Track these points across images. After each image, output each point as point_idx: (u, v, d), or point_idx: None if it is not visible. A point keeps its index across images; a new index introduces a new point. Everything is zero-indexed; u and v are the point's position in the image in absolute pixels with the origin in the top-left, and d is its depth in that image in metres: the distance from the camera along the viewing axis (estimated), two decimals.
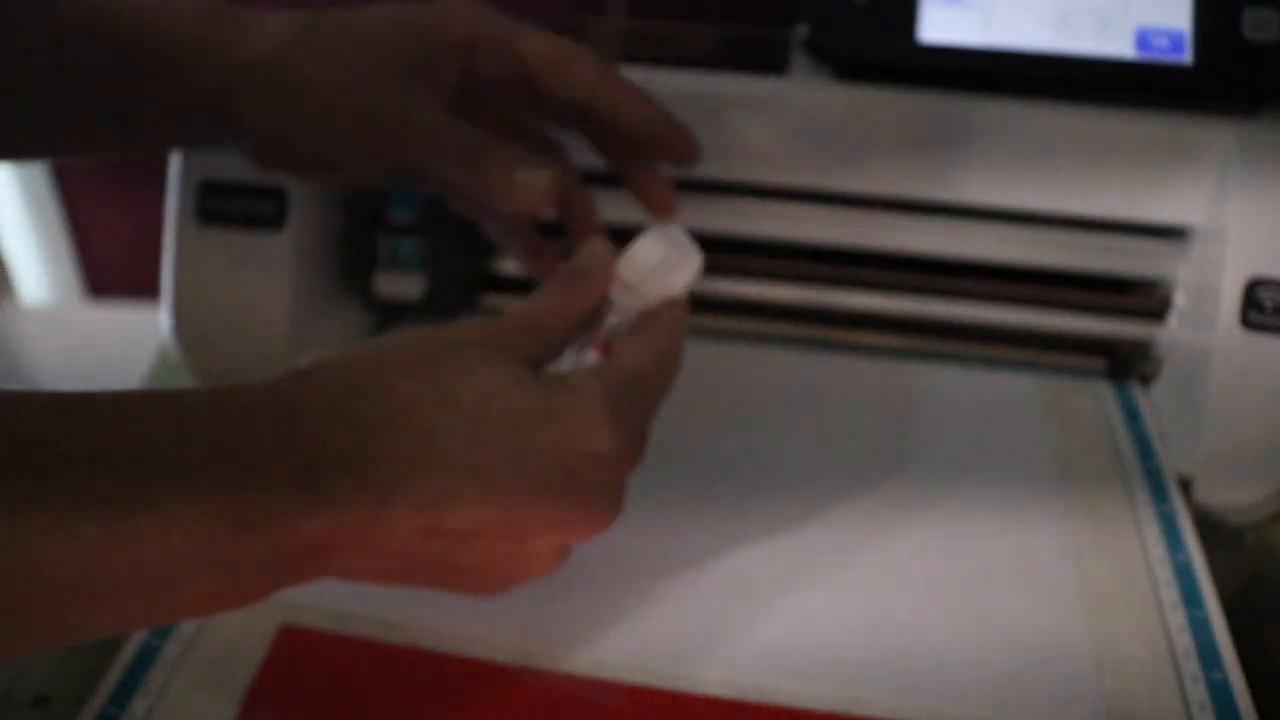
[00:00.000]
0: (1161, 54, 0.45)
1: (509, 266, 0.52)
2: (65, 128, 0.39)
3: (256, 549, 0.26)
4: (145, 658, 0.34)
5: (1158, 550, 0.38)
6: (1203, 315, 0.44)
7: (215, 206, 0.47)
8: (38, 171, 1.02)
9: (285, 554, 0.26)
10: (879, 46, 0.46)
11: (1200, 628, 0.35)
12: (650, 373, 0.33)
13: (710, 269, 0.50)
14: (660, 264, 0.36)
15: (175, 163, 0.48)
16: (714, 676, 0.34)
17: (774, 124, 0.47)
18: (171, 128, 0.40)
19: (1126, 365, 0.48)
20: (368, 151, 0.37)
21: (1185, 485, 0.42)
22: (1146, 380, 0.48)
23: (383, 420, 0.28)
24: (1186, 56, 0.45)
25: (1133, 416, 0.46)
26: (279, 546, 0.26)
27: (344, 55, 0.36)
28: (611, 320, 0.36)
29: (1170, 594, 0.37)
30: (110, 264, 1.09)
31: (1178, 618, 0.36)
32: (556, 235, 0.44)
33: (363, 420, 0.27)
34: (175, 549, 0.24)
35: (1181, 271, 0.47)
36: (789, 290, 0.50)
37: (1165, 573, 0.37)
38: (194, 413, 0.26)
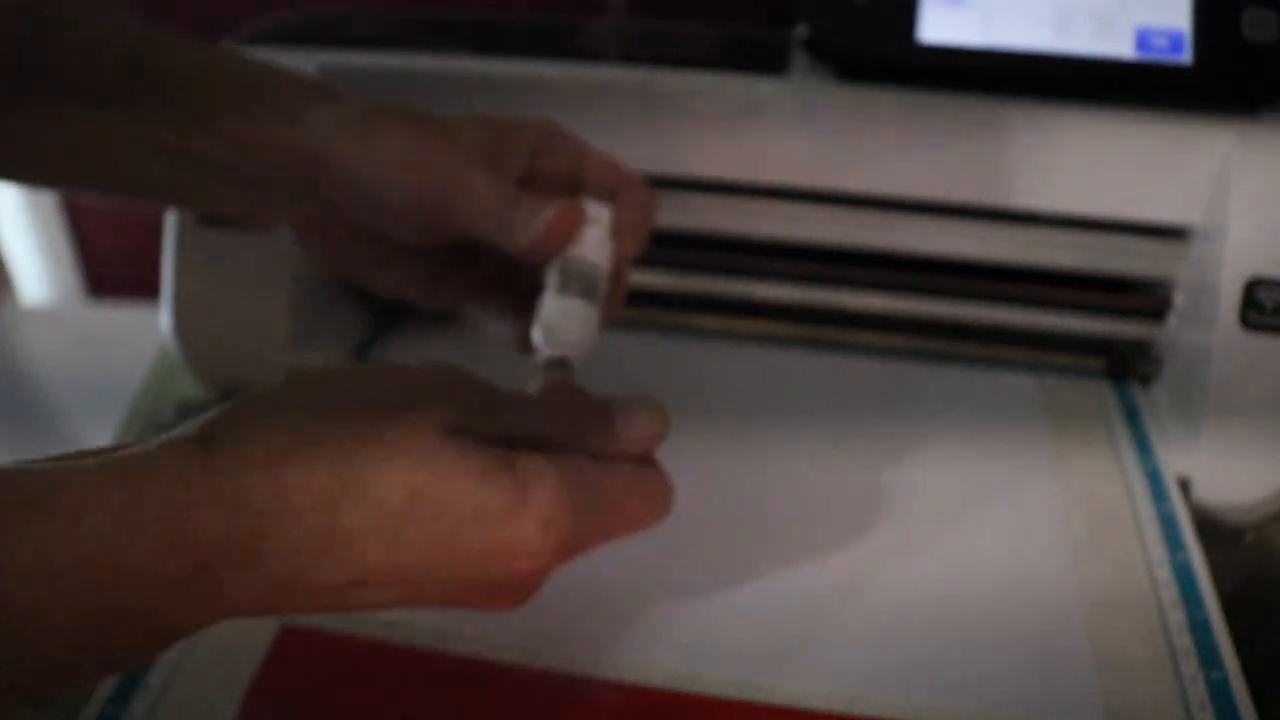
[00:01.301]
0: (1161, 54, 0.45)
1: None
2: (128, 167, 0.38)
3: (137, 637, 0.25)
4: None
5: (1158, 550, 0.38)
6: (1203, 315, 0.44)
7: None
8: None
9: (174, 634, 0.26)
10: (879, 46, 0.46)
11: (1200, 628, 0.35)
12: (620, 497, 0.31)
13: (710, 269, 0.50)
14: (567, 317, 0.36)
15: None
16: (714, 676, 0.34)
17: (774, 124, 0.47)
18: (239, 188, 0.39)
19: (1126, 365, 0.48)
20: (417, 218, 0.37)
21: (1185, 485, 0.42)
22: (1146, 380, 0.48)
23: (292, 517, 0.26)
24: (1186, 57, 0.45)
25: (1133, 416, 0.46)
26: (166, 630, 0.26)
27: (421, 131, 0.37)
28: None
29: (1170, 594, 0.37)
30: (110, 264, 1.09)
31: (1178, 618, 0.36)
32: None
33: (269, 516, 0.26)
34: (51, 650, 0.23)
35: (1181, 271, 0.47)
36: (789, 290, 0.50)
37: (1165, 573, 0.37)
38: (77, 502, 0.24)
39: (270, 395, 0.28)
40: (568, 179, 0.39)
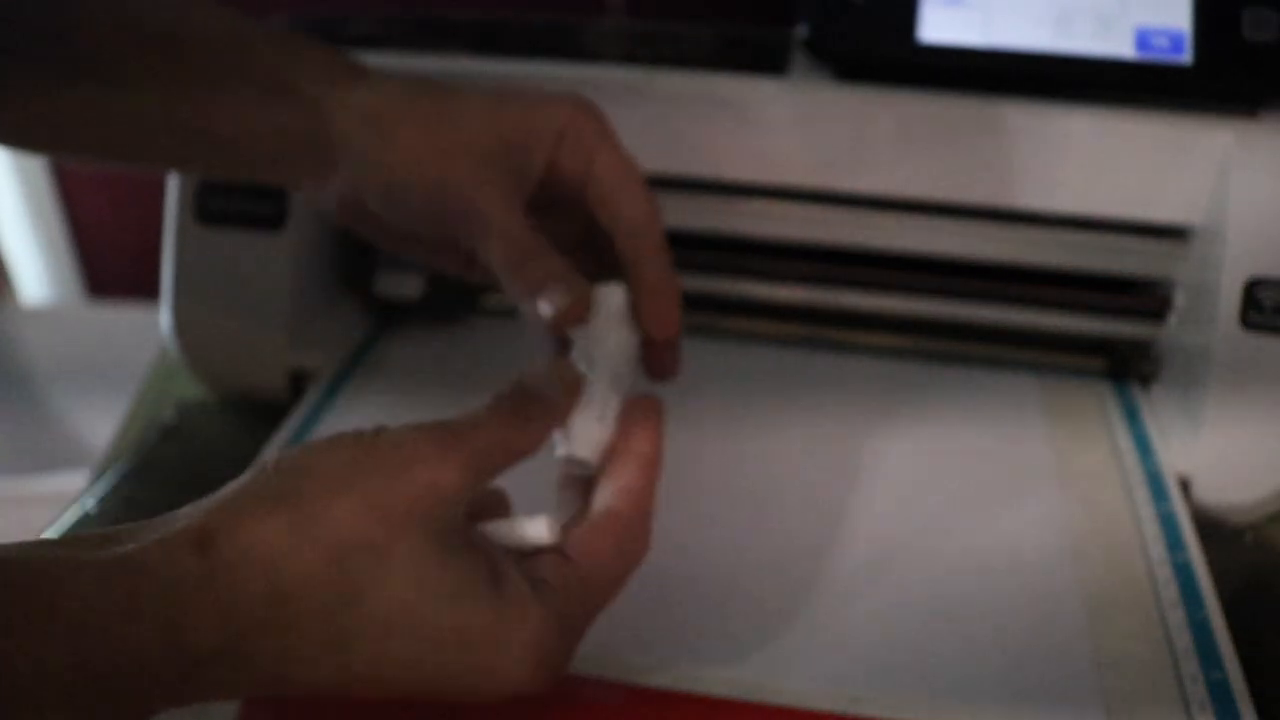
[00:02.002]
0: (1161, 54, 0.45)
1: None
2: (150, 136, 0.38)
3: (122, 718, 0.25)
4: None
5: (1158, 550, 0.38)
6: (1203, 315, 0.44)
7: (215, 206, 0.47)
8: (38, 171, 1.02)
9: (155, 712, 0.26)
10: (879, 46, 0.46)
11: (1200, 628, 0.35)
12: (608, 571, 0.31)
13: (710, 269, 0.50)
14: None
15: None
16: (714, 676, 0.34)
17: (774, 124, 0.47)
18: (263, 156, 0.39)
19: (1126, 365, 0.48)
20: (433, 229, 0.37)
21: (1185, 485, 0.42)
22: (1146, 380, 0.48)
23: (287, 624, 0.26)
24: (1186, 56, 0.45)
25: (1133, 416, 0.46)
26: (149, 712, 0.25)
27: (437, 128, 0.37)
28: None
29: (1170, 594, 0.37)
30: (110, 264, 1.09)
31: (1178, 617, 0.36)
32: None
33: (265, 624, 0.26)
34: None
35: (1181, 271, 0.47)
36: (789, 290, 0.50)
37: (1165, 573, 0.37)
38: (78, 605, 0.24)
39: (266, 485, 0.27)
40: (580, 182, 0.38)
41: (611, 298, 0.37)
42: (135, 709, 0.25)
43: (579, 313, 0.35)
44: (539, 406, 0.32)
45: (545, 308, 0.35)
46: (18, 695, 0.23)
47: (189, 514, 0.26)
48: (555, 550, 0.30)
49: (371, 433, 0.29)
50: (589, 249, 0.39)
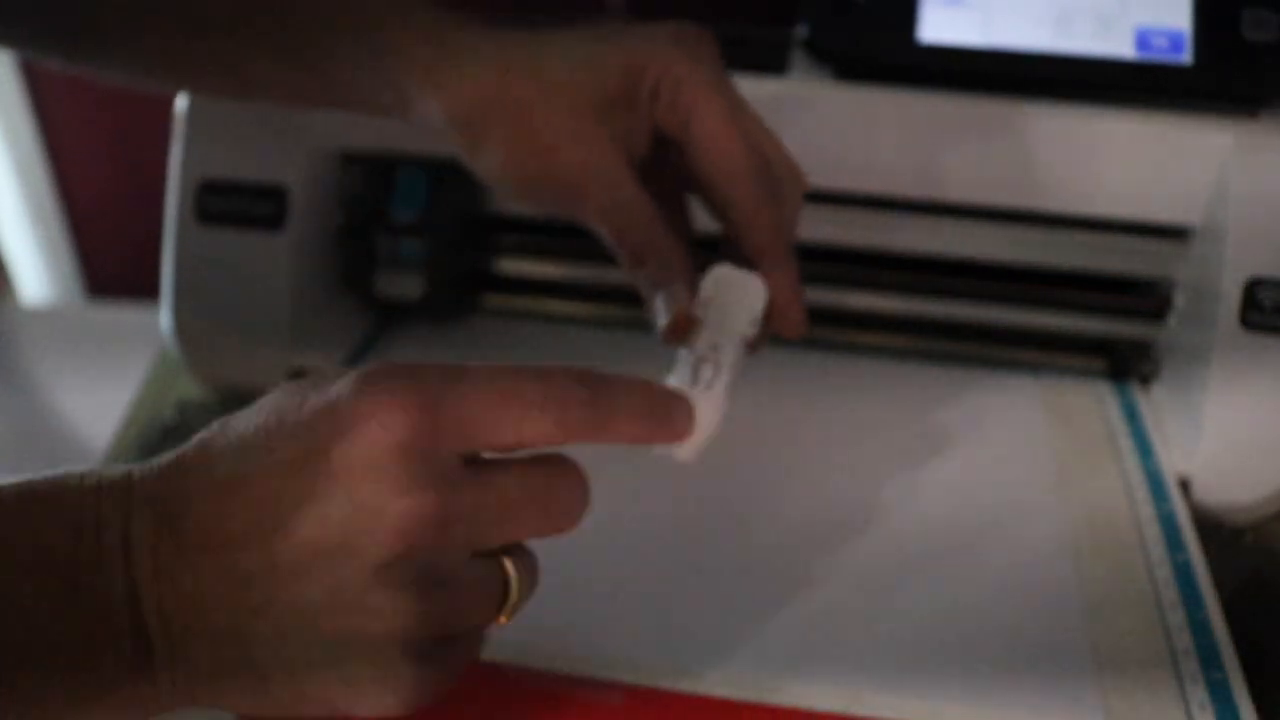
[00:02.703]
0: (1161, 54, 0.45)
1: (509, 266, 0.52)
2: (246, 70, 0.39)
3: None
4: None
5: (1158, 550, 0.38)
6: (1203, 315, 0.44)
7: (215, 206, 0.47)
8: (38, 171, 1.02)
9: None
10: (879, 46, 0.46)
11: (1200, 628, 0.35)
12: (517, 494, 0.27)
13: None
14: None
15: (175, 162, 0.48)
16: (714, 676, 0.34)
17: (774, 124, 0.47)
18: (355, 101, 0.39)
19: (1126, 365, 0.48)
20: (551, 206, 0.37)
21: (1185, 485, 0.42)
22: (1146, 380, 0.48)
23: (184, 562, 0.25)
24: (1186, 56, 0.45)
25: (1133, 416, 0.46)
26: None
27: (529, 120, 0.36)
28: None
29: (1170, 594, 0.37)
30: (110, 264, 1.09)
31: (1178, 618, 0.36)
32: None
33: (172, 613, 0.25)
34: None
35: (1181, 271, 0.47)
36: None
37: (1165, 573, 0.37)
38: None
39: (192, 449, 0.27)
40: (681, 139, 0.36)
41: (750, 286, 0.36)
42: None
43: (681, 333, 0.35)
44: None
45: (660, 319, 0.35)
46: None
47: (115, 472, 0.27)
48: None
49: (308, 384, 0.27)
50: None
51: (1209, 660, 0.34)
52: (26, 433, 1.02)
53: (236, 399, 0.50)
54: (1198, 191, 0.45)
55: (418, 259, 0.49)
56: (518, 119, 0.36)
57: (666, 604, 0.36)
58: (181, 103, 0.48)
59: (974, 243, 0.48)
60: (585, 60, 0.36)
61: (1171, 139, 0.45)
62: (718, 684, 0.33)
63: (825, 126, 0.47)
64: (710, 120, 0.36)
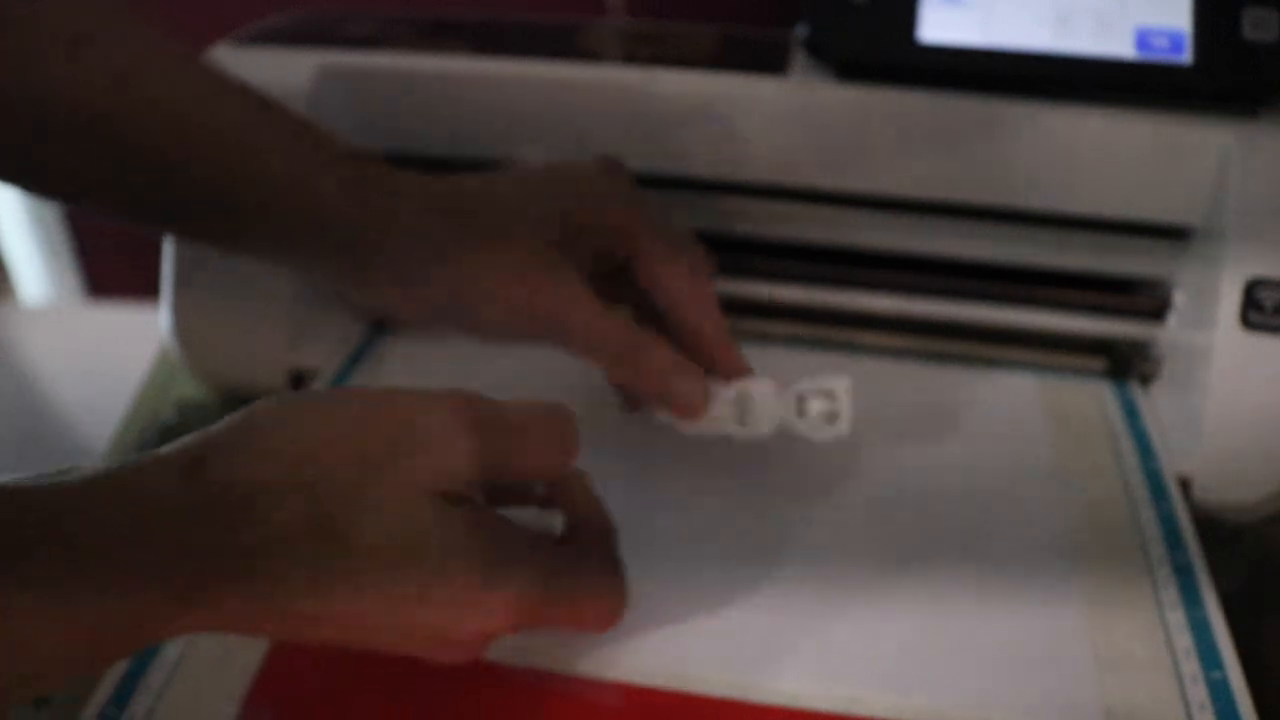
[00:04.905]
0: (1161, 54, 0.45)
1: None
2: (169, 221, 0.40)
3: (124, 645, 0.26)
4: (145, 658, 0.34)
5: (1157, 550, 0.38)
6: (1203, 315, 0.44)
7: None
8: None
9: (159, 639, 0.27)
10: (879, 46, 0.46)
11: (1200, 628, 0.35)
12: (580, 595, 0.32)
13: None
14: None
15: None
16: (714, 676, 0.34)
17: (774, 124, 0.47)
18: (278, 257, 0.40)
19: (1126, 365, 0.48)
20: (518, 331, 0.38)
21: (1185, 485, 0.42)
22: (1146, 380, 0.48)
23: (265, 551, 0.27)
24: (1186, 56, 0.45)
25: (1133, 416, 0.46)
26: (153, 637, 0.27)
27: (493, 231, 0.37)
28: None
29: (1170, 594, 0.37)
30: (110, 264, 1.08)
31: (1177, 617, 0.36)
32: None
33: (247, 548, 0.26)
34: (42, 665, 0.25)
35: (1181, 271, 0.47)
36: (789, 290, 0.50)
37: (1165, 573, 0.37)
38: (80, 529, 0.25)
39: (262, 422, 0.28)
40: (625, 258, 0.39)
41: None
42: (129, 634, 0.26)
43: (704, 401, 0.38)
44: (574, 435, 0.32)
45: (678, 400, 0.38)
46: (20, 617, 0.23)
47: (183, 442, 0.27)
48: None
49: (382, 397, 0.29)
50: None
51: (1209, 660, 0.34)
52: (26, 433, 1.02)
53: (236, 399, 0.50)
54: (1198, 191, 0.45)
55: None
56: (476, 230, 0.37)
57: (666, 604, 0.36)
58: None
59: (973, 243, 0.48)
60: (531, 196, 0.38)
61: (1171, 139, 0.45)
62: (718, 684, 0.33)
63: (825, 126, 0.47)
64: (657, 252, 0.39)
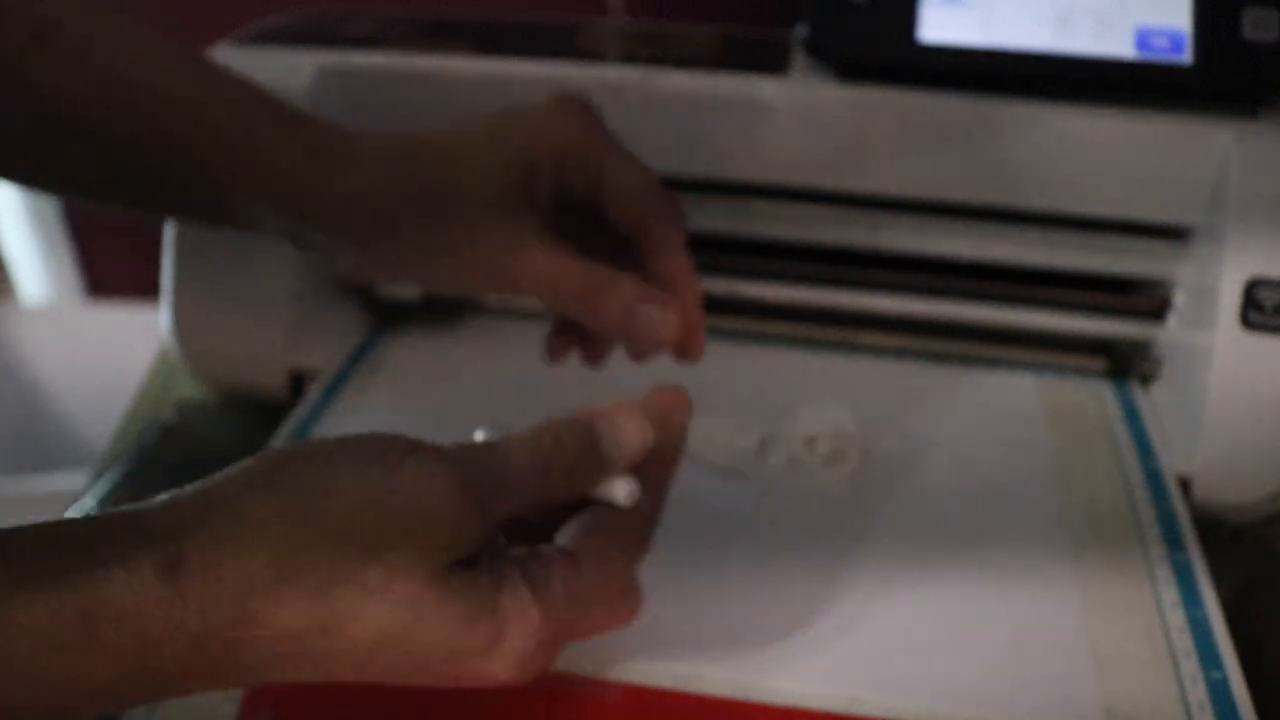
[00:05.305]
0: (1161, 54, 0.45)
1: None
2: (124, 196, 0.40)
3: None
4: None
5: (1157, 550, 0.38)
6: (1203, 315, 0.44)
7: None
8: None
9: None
10: (879, 46, 0.46)
11: (1200, 628, 0.35)
12: (609, 573, 0.30)
13: (711, 269, 0.50)
14: None
15: None
16: (713, 676, 0.34)
17: (774, 124, 0.47)
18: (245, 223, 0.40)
19: (1126, 365, 0.48)
20: (476, 285, 0.38)
21: (1185, 485, 0.42)
22: (1146, 380, 0.48)
23: (261, 644, 0.25)
24: (1186, 56, 0.45)
25: (1133, 416, 0.46)
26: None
27: (444, 189, 0.36)
28: None
29: (1170, 594, 0.37)
30: (110, 264, 1.08)
31: (1177, 618, 0.36)
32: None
33: (235, 643, 0.25)
34: None
35: (1181, 271, 0.47)
36: (789, 290, 0.50)
37: (1165, 573, 0.37)
38: (32, 630, 0.23)
39: (242, 503, 0.26)
40: (593, 194, 0.37)
41: None
42: (100, 705, 0.25)
43: (675, 333, 0.36)
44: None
45: (646, 333, 0.36)
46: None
47: (160, 524, 0.25)
48: (566, 555, 0.30)
49: (390, 461, 0.27)
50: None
51: (1209, 660, 0.34)
52: (26, 433, 1.02)
53: (236, 399, 0.50)
54: (1198, 191, 0.45)
55: None
56: (427, 182, 0.36)
57: (665, 604, 0.36)
58: None
59: (973, 243, 0.48)
60: (484, 138, 0.37)
61: (1171, 139, 0.45)
62: (718, 684, 0.33)
63: (825, 126, 0.47)
64: (622, 169, 0.37)
